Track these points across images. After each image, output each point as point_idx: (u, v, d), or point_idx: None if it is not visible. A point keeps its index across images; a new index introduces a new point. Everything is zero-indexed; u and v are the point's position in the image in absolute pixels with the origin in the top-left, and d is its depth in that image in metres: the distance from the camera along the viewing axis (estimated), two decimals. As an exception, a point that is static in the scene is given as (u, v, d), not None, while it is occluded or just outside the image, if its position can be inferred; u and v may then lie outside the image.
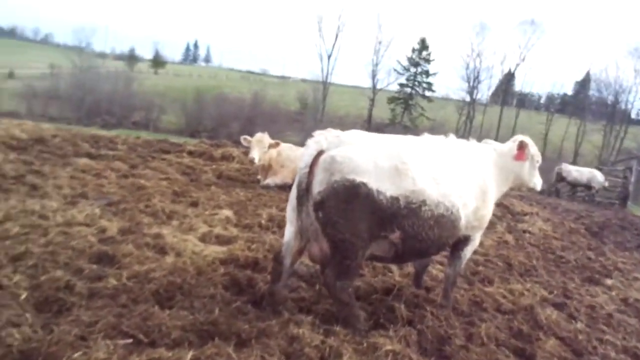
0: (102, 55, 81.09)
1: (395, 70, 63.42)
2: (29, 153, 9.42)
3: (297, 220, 4.22)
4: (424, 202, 4.12)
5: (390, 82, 63.49)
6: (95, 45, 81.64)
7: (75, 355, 3.06)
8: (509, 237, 8.96)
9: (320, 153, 4.06)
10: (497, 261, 7.17)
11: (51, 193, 6.78)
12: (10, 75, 59.84)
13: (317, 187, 4.01)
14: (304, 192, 4.10)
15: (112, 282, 4.31)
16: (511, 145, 5.24)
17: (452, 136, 4.98)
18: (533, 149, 5.28)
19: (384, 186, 3.99)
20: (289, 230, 4.37)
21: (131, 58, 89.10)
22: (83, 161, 9.24)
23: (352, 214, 3.93)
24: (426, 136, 4.82)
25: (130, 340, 3.43)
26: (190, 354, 3.34)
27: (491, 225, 9.80)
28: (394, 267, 5.95)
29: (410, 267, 5.82)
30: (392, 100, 64.37)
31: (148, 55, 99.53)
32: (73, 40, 63.24)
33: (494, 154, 5.14)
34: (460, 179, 4.47)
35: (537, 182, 5.47)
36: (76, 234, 5.28)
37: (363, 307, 4.66)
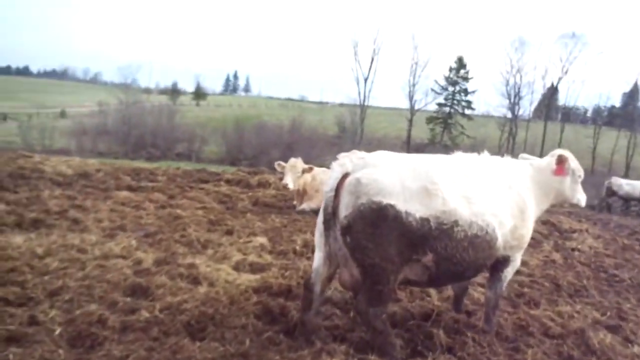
0: (147, 91, 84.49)
1: (432, 90, 62.86)
2: (74, 188, 9.80)
3: (326, 246, 4.13)
4: (456, 223, 3.95)
5: (428, 102, 62.80)
6: (140, 81, 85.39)
7: (103, 391, 3.04)
8: (557, 256, 8.50)
9: (345, 176, 3.99)
10: (543, 282, 6.78)
11: (91, 227, 6.98)
12: (62, 115, 63.10)
13: (344, 211, 3.92)
14: (331, 216, 4.01)
15: (144, 314, 4.32)
16: (550, 159, 4.99)
17: (485, 153, 4.80)
18: (574, 163, 5.00)
19: (413, 207, 3.85)
20: (318, 256, 4.28)
21: (174, 92, 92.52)
22: (123, 194, 9.51)
23: (380, 238, 3.81)
24: (458, 154, 4.67)
25: (160, 375, 3.40)
26: (218, 387, 3.28)
27: (537, 244, 9.37)
28: (432, 291, 5.72)
29: (450, 291, 5.58)
30: (430, 120, 63.69)
31: (190, 87, 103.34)
32: (120, 77, 66.15)
33: (531, 170, 4.91)
34: (494, 197, 4.27)
35: (581, 198, 5.16)
36: (112, 267, 5.37)
37: (399, 334, 4.48)
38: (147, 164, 18.09)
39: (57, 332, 3.86)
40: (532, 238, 9.68)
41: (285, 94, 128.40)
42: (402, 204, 3.83)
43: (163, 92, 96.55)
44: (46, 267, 5.21)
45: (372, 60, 59.67)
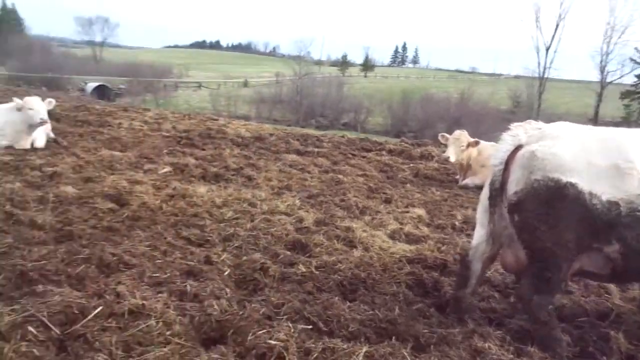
0: (319, 63, 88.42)
1: (632, 59, 53.93)
2: (250, 149, 10.74)
3: (489, 223, 3.82)
4: (654, 210, 3.31)
5: (625, 74, 54.27)
6: (313, 54, 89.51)
7: (260, 332, 3.27)
8: None
9: (518, 148, 3.60)
10: None
11: (261, 184, 7.56)
12: (245, 84, 69.47)
13: (513, 186, 3.55)
14: (498, 191, 3.68)
15: (301, 269, 4.53)
16: None
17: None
18: None
19: (599, 188, 3.32)
20: (480, 234, 4.00)
21: (343, 63, 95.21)
22: (292, 157, 10.13)
23: (555, 220, 3.37)
24: (662, 129, 3.88)
25: (310, 327, 3.54)
26: (364, 349, 3.29)
27: None
28: (613, 288, 4.98)
29: (637, 290, 4.79)
30: (627, 94, 55.10)
31: (359, 59, 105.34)
32: (295, 50, 70.53)
33: None
34: None
35: None
36: (277, 222, 5.74)
37: (567, 330, 3.99)
38: (316, 131, 18.92)
39: (226, 272, 4.27)
40: None
41: (455, 66, 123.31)
42: (586, 184, 3.32)
43: (333, 64, 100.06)
44: (222, 215, 5.81)
45: (557, 26, 53.33)
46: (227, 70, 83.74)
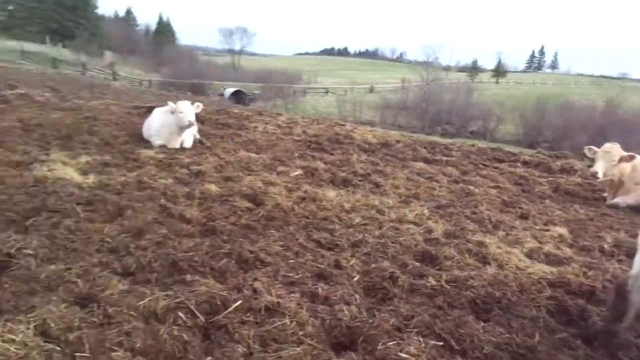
0: (447, 69, 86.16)
1: None
2: (376, 155, 10.74)
3: (655, 250, 3.37)
4: None
5: None
6: (441, 60, 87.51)
7: (390, 343, 3.23)
8: None
9: (698, 167, 3.12)
10: None
11: (389, 191, 7.50)
12: (371, 90, 70.03)
13: (690, 211, 3.09)
14: (668, 215, 3.23)
15: (431, 281, 4.39)
16: None
17: None
18: None
19: None
20: (641, 261, 3.55)
21: (473, 69, 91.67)
22: (419, 165, 9.92)
23: None
24: None
25: (442, 344, 3.41)
26: (502, 375, 3.09)
27: None
28: None
29: None
30: None
31: (490, 65, 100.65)
32: (422, 56, 69.74)
33: None
34: None
35: None
36: (405, 231, 5.64)
37: None
38: (443, 139, 18.37)
39: (356, 278, 4.28)
40: None
41: (601, 71, 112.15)
42: None
43: (462, 69, 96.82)
44: (350, 220, 5.86)
45: None
46: (353, 76, 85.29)
